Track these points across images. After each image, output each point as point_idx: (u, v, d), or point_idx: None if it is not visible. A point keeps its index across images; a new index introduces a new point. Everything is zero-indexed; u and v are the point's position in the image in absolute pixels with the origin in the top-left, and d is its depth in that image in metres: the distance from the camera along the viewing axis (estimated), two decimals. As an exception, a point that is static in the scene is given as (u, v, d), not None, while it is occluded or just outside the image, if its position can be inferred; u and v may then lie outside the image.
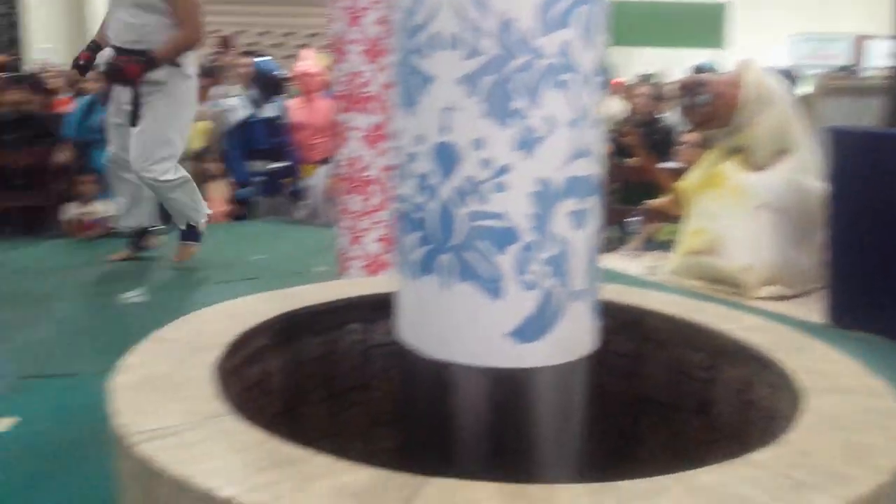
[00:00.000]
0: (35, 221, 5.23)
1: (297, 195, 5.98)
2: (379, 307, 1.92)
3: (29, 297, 3.61)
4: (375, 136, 3.06)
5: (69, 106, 5.69)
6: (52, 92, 5.84)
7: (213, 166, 5.50)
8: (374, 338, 1.97)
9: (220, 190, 5.60)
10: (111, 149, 3.86)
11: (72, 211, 4.89)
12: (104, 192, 4.98)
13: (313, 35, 8.89)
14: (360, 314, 1.95)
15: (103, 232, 4.91)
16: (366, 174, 3.08)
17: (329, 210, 6.11)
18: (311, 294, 1.97)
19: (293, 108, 5.99)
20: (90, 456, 2.07)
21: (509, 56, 1.17)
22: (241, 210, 5.77)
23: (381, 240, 3.23)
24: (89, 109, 5.10)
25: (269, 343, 1.72)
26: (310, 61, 6.00)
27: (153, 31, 3.56)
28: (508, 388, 1.28)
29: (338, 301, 1.93)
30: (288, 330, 1.77)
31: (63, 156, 5.07)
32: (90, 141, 5.08)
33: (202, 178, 5.53)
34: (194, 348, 1.44)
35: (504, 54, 1.17)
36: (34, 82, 5.54)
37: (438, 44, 1.19)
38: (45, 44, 8.49)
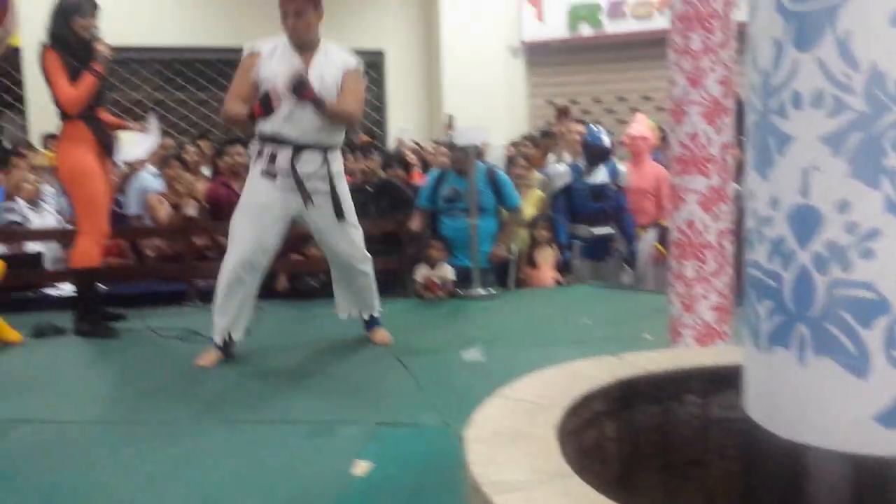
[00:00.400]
0: (389, 282, 5.78)
1: (623, 260, 5.96)
2: (718, 379, 1.85)
3: (383, 351, 3.98)
4: (713, 200, 2.96)
5: (422, 179, 6.27)
6: (409, 166, 6.47)
7: (542, 233, 5.70)
8: (713, 411, 1.88)
9: (549, 256, 5.78)
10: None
11: (421, 273, 5.34)
12: (450, 256, 5.41)
13: (647, 98, 8.92)
14: (698, 385, 1.88)
15: (449, 293, 5.31)
16: (702, 238, 2.99)
17: (657, 275, 6.01)
18: (645, 361, 1.95)
19: (622, 172, 6.03)
20: (436, 501, 2.23)
21: (881, 111, 1.08)
22: (566, 274, 5.88)
23: (716, 308, 3.09)
24: (439, 181, 5.58)
25: (606, 408, 1.73)
26: (641, 125, 6.03)
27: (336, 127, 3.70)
28: (874, 477, 1.15)
29: (674, 370, 1.89)
30: (624, 396, 1.76)
31: (416, 223, 5.57)
32: (439, 210, 5.57)
33: (533, 245, 5.79)
34: (538, 407, 1.50)
35: (874, 110, 1.08)
36: (397, 158, 6.18)
37: (800, 102, 1.14)
38: (403, 124, 9.54)
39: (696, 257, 3.02)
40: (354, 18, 9.52)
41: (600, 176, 5.79)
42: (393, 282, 5.72)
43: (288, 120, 3.54)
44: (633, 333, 4.18)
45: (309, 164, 3.61)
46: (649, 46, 8.93)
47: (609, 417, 1.73)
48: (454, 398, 3.09)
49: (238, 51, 3.73)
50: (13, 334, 4.21)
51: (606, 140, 5.92)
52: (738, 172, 4.78)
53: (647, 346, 3.64)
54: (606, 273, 5.96)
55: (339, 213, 3.69)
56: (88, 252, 4.29)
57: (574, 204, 5.71)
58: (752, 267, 1.25)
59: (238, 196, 5.60)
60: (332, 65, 3.63)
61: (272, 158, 3.58)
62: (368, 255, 3.99)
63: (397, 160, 6.14)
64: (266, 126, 3.57)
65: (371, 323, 4.17)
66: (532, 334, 4.33)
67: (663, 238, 5.73)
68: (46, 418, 3.02)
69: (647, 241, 6.04)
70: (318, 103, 3.46)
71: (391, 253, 5.52)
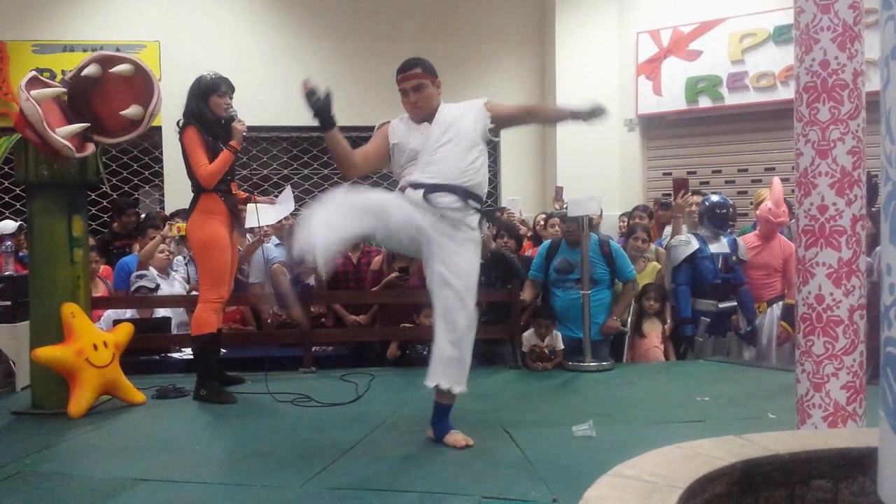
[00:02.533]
0: (494, 353, 5.74)
1: (746, 335, 5.71)
2: (849, 462, 1.72)
3: (491, 422, 3.93)
4: (844, 273, 2.81)
5: (533, 250, 6.26)
6: (520, 237, 6.48)
7: (651, 303, 5.55)
8: (844, 497, 1.75)
9: (657, 327, 5.61)
10: None
11: (529, 344, 5.27)
12: (561, 328, 5.33)
13: (770, 170, 8.65)
14: (827, 469, 1.76)
15: (558, 365, 5.21)
16: (832, 314, 2.82)
17: (781, 352, 5.72)
18: (770, 442, 1.84)
19: (748, 245, 5.83)
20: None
21: None
22: (684, 348, 5.68)
23: (847, 387, 2.90)
24: (550, 253, 5.55)
25: (727, 491, 1.63)
26: (778, 198, 5.79)
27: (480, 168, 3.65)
28: None
29: (802, 452, 1.77)
30: (747, 479, 1.66)
31: (528, 294, 5.54)
32: (551, 281, 5.52)
33: (641, 315, 5.63)
34: (653, 487, 1.43)
35: None
36: (509, 228, 6.20)
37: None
38: (513, 195, 9.61)
39: (825, 333, 2.86)
40: (469, 95, 9.70)
41: (722, 247, 5.63)
42: (502, 352, 5.68)
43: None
44: (755, 413, 3.98)
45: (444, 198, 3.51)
46: (772, 117, 8.74)
47: (731, 501, 1.63)
48: (564, 474, 3.00)
49: (360, 129, 3.89)
50: (138, 395, 4.41)
51: (731, 208, 5.78)
52: (871, 245, 4.55)
53: (771, 427, 3.44)
54: (727, 349, 5.72)
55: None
56: (207, 320, 4.46)
57: (699, 275, 5.54)
58: (890, 344, 1.16)
59: (353, 265, 5.80)
60: (457, 113, 3.67)
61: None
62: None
63: (508, 231, 6.15)
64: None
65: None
66: (647, 410, 4.18)
67: (788, 315, 5.47)
68: (164, 478, 3.11)
69: (770, 318, 5.78)
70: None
71: (501, 323, 5.49)
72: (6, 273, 5.06)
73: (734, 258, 5.64)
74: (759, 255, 5.79)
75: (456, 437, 3.49)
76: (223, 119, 4.50)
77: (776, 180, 6.02)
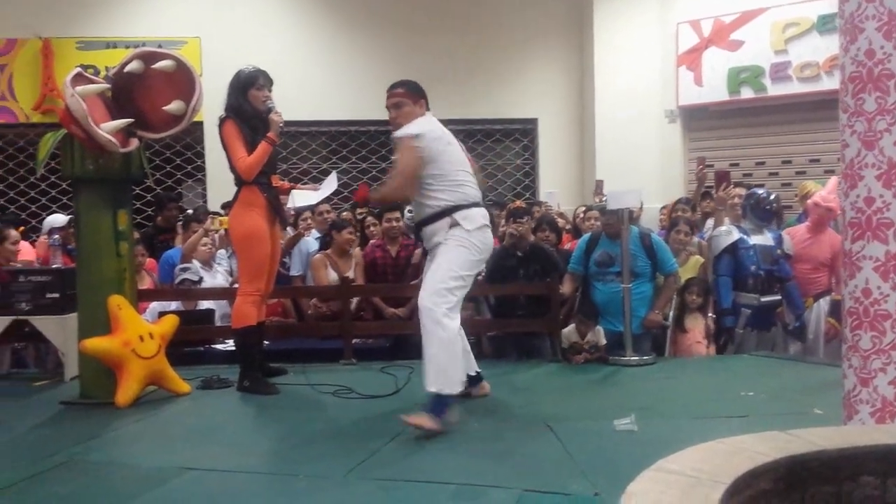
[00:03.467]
0: (534, 346, 5.73)
1: (793, 331, 5.62)
2: (898, 460, 1.68)
3: (532, 415, 3.92)
4: (891, 267, 2.75)
5: (572, 244, 6.22)
6: (560, 231, 6.45)
7: (694, 297, 5.49)
8: (893, 493, 1.72)
9: (699, 322, 5.54)
10: None
11: (569, 340, 5.25)
12: (602, 321, 5.30)
13: (814, 161, 8.50)
14: (876, 465, 1.72)
15: (599, 359, 5.18)
16: (878, 308, 2.77)
17: (828, 347, 5.62)
18: (816, 438, 1.81)
19: (795, 237, 5.73)
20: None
21: None
22: (724, 340, 5.61)
23: (894, 383, 2.84)
24: (590, 246, 5.51)
25: (773, 487, 1.61)
26: (832, 192, 5.69)
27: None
28: None
29: (849, 448, 1.74)
30: (793, 475, 1.63)
31: (567, 287, 5.52)
32: (590, 274, 5.49)
33: (683, 309, 5.57)
34: (696, 482, 1.41)
35: None
36: (549, 222, 6.18)
37: None
38: (550, 188, 9.56)
39: (873, 328, 2.80)
40: (508, 88, 9.73)
41: (766, 240, 5.55)
42: (541, 346, 5.67)
43: None
44: (801, 408, 3.93)
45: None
46: (816, 108, 8.58)
47: (776, 497, 1.60)
48: (605, 468, 2.99)
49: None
50: (183, 386, 4.48)
51: (776, 202, 5.69)
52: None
53: (817, 422, 3.39)
54: (771, 344, 5.63)
55: None
56: (247, 312, 4.51)
57: (741, 266, 5.47)
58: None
59: (392, 258, 5.83)
60: None
61: None
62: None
63: (548, 224, 6.12)
64: None
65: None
66: (689, 405, 4.14)
67: (836, 312, 5.37)
68: (208, 467, 3.17)
69: (816, 313, 5.68)
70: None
71: (540, 317, 5.48)
72: (54, 266, 5.18)
73: (778, 251, 5.55)
74: (808, 248, 5.69)
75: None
76: (262, 112, 4.53)
77: (834, 179, 5.91)
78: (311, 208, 6.06)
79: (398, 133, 3.88)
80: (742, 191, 6.10)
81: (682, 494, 1.38)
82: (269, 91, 4.59)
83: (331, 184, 5.15)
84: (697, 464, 1.57)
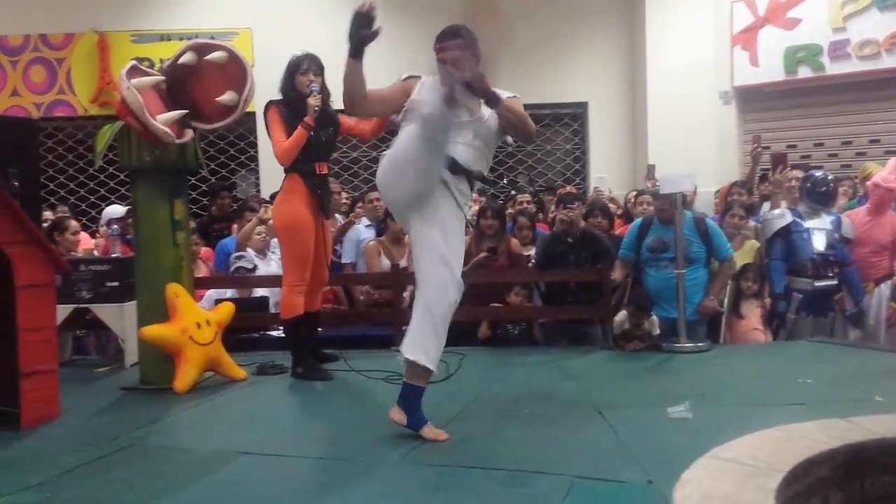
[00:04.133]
0: (584, 333, 5.69)
1: (852, 317, 5.48)
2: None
3: (584, 402, 3.89)
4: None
5: (624, 229, 6.15)
6: (612, 216, 6.38)
7: (749, 284, 5.39)
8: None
9: (755, 308, 5.44)
10: None
11: (619, 319, 5.20)
12: (655, 308, 5.23)
13: (874, 142, 8.26)
14: (941, 455, 1.67)
15: (652, 346, 5.12)
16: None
17: (889, 333, 5.47)
18: (876, 426, 1.77)
19: (857, 220, 5.58)
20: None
21: None
22: (777, 325, 5.49)
23: (963, 370, 2.75)
24: (642, 231, 5.44)
25: (831, 475, 1.58)
26: (888, 172, 5.53)
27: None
28: None
29: (913, 437, 1.69)
30: (853, 463, 1.60)
31: (618, 273, 5.46)
32: (643, 260, 5.42)
33: (738, 295, 5.46)
34: (752, 471, 1.39)
35: None
36: (600, 207, 6.13)
37: None
38: (601, 172, 9.46)
39: (936, 313, 2.71)
40: (557, 72, 9.63)
41: (822, 223, 5.41)
42: (592, 333, 5.63)
43: None
44: (861, 395, 3.83)
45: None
46: (876, 87, 8.33)
47: (834, 486, 1.57)
48: (659, 455, 2.95)
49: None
50: (239, 372, 4.57)
51: (832, 184, 5.54)
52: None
53: (877, 410, 3.30)
54: (828, 330, 5.50)
55: None
56: (294, 302, 4.54)
57: (794, 250, 5.34)
58: None
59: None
60: None
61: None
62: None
63: (600, 209, 6.06)
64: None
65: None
66: (745, 392, 4.07)
67: (898, 296, 5.23)
68: (264, 451, 3.22)
69: (878, 298, 5.53)
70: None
71: (591, 303, 5.44)
72: (114, 255, 5.31)
73: (836, 236, 5.40)
74: (869, 231, 5.54)
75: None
76: (304, 97, 4.45)
77: (894, 159, 5.73)
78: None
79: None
80: (800, 173, 5.95)
81: (737, 483, 1.36)
82: (318, 75, 4.52)
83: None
84: (754, 451, 1.55)
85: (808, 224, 5.40)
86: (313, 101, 4.38)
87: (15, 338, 3.59)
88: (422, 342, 3.28)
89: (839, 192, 5.95)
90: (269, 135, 4.53)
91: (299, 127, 4.39)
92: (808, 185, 5.54)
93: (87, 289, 4.98)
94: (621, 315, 5.19)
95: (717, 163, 8.97)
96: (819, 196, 5.50)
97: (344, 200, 7.16)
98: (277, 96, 4.58)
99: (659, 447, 3.08)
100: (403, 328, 5.46)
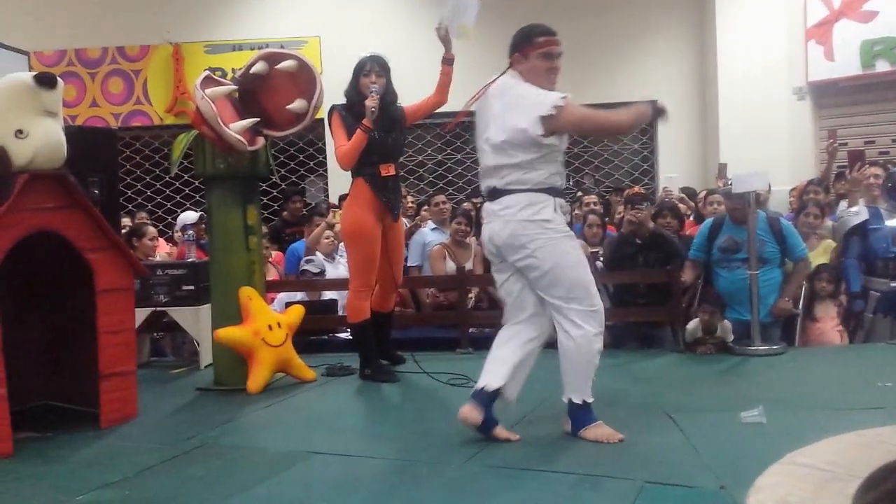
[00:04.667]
0: (654, 336, 5.60)
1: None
2: None
3: (654, 406, 3.83)
4: None
5: (694, 229, 6.03)
6: (682, 216, 6.27)
7: (824, 285, 5.23)
8: None
9: (831, 310, 5.27)
10: None
11: (692, 327, 5.10)
12: (728, 310, 5.11)
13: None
14: None
15: (723, 349, 5.01)
16: None
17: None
18: (964, 432, 1.69)
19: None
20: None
21: None
22: (854, 325, 5.30)
23: None
24: (714, 231, 5.32)
25: (913, 482, 1.52)
26: None
27: None
28: None
29: None
30: (937, 470, 1.54)
31: (688, 275, 5.36)
32: (714, 261, 5.31)
33: (813, 297, 5.30)
34: (829, 476, 1.35)
35: None
36: (669, 207, 6.03)
37: None
38: (670, 173, 9.30)
39: None
40: (626, 69, 9.51)
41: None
42: (662, 336, 5.54)
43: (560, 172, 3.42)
44: (947, 402, 3.66)
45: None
46: (960, 79, 8.00)
47: (917, 493, 1.51)
48: (732, 461, 2.88)
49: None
50: (309, 373, 4.65)
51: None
52: None
53: (966, 417, 3.16)
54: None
55: None
56: (360, 307, 4.57)
57: (871, 248, 5.17)
58: None
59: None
60: None
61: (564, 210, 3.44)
62: None
63: (670, 210, 5.96)
64: (559, 181, 3.38)
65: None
66: (821, 396, 3.95)
67: None
68: (333, 451, 3.27)
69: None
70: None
71: (661, 305, 5.35)
72: (189, 260, 5.47)
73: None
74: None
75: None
76: (365, 99, 4.41)
77: None
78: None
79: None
80: (878, 170, 5.74)
81: (814, 489, 1.33)
82: (381, 76, 4.49)
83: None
84: (831, 457, 1.51)
85: (888, 222, 5.21)
86: (370, 103, 4.33)
87: (96, 340, 3.73)
88: None
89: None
90: (332, 139, 4.58)
91: (358, 130, 4.38)
92: (890, 183, 5.35)
93: (163, 292, 5.13)
94: (693, 323, 5.08)
95: (792, 161, 8.72)
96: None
97: (409, 204, 7.22)
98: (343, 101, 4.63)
99: (731, 452, 3.01)
100: (469, 330, 5.51)
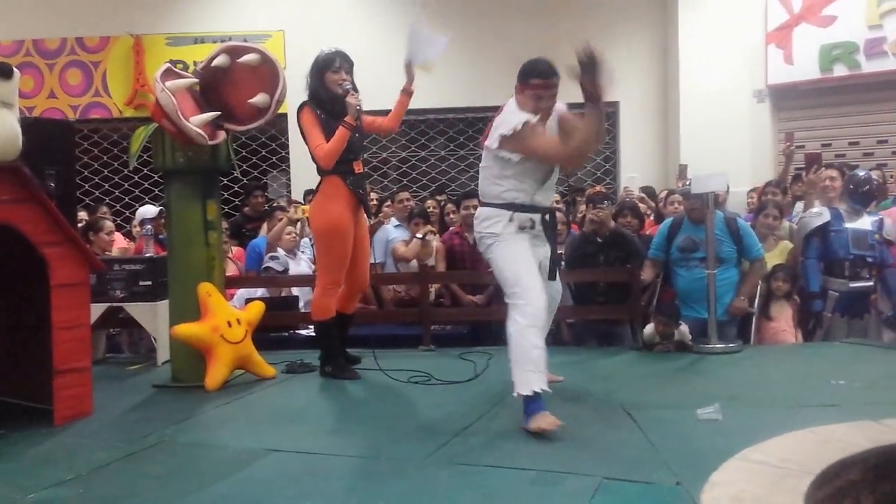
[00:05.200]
0: (614, 333, 5.66)
1: (889, 320, 5.37)
2: None
3: (612, 402, 3.87)
4: None
5: (654, 229, 6.10)
6: (642, 216, 6.34)
7: (780, 284, 5.32)
8: None
9: (786, 310, 5.37)
10: None
11: (649, 332, 5.15)
12: (685, 308, 5.18)
13: (911, 140, 8.13)
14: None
15: (681, 347, 5.07)
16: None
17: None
18: (912, 429, 1.73)
19: (888, 224, 5.48)
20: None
21: None
22: (813, 325, 5.41)
23: None
24: (673, 231, 5.39)
25: (862, 478, 1.55)
26: None
27: None
28: None
29: (948, 440, 1.66)
30: (886, 466, 1.57)
31: (647, 273, 5.42)
32: (673, 260, 5.38)
33: (769, 297, 5.40)
34: (782, 473, 1.38)
35: None
36: (631, 207, 6.09)
37: None
38: (632, 173, 9.41)
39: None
40: (588, 71, 9.57)
41: (863, 224, 5.32)
42: (622, 333, 5.59)
43: (542, 190, 3.71)
44: (895, 398, 3.75)
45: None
46: (914, 85, 8.20)
47: (866, 488, 1.55)
48: (688, 457, 2.92)
49: (482, 109, 3.89)
50: (269, 370, 4.61)
51: (874, 183, 5.45)
52: None
53: (914, 414, 3.24)
54: (863, 332, 5.40)
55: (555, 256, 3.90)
56: (326, 304, 4.52)
57: (831, 250, 5.27)
58: None
59: (470, 245, 5.84)
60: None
61: (529, 222, 3.66)
62: None
63: (630, 209, 6.02)
64: (508, 194, 3.63)
65: None
66: (776, 394, 4.02)
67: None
68: (293, 448, 3.25)
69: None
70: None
71: (621, 304, 5.41)
72: (147, 255, 5.38)
73: (876, 236, 5.31)
74: (904, 229, 5.43)
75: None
76: (339, 95, 4.37)
77: None
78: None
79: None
80: (834, 173, 5.85)
81: (768, 485, 1.35)
82: (349, 73, 4.45)
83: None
84: (784, 454, 1.53)
85: (848, 224, 5.32)
86: (354, 101, 4.31)
87: (50, 336, 3.65)
88: None
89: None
90: (304, 137, 4.45)
91: (341, 128, 4.31)
92: (850, 185, 5.46)
93: (120, 288, 5.05)
94: (650, 328, 5.13)
95: (751, 162, 8.88)
96: (861, 196, 5.41)
97: (373, 201, 7.20)
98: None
99: (688, 448, 3.06)
100: (431, 327, 5.51)
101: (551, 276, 3.81)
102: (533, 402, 3.36)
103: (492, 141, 3.58)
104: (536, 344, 3.40)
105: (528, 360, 3.37)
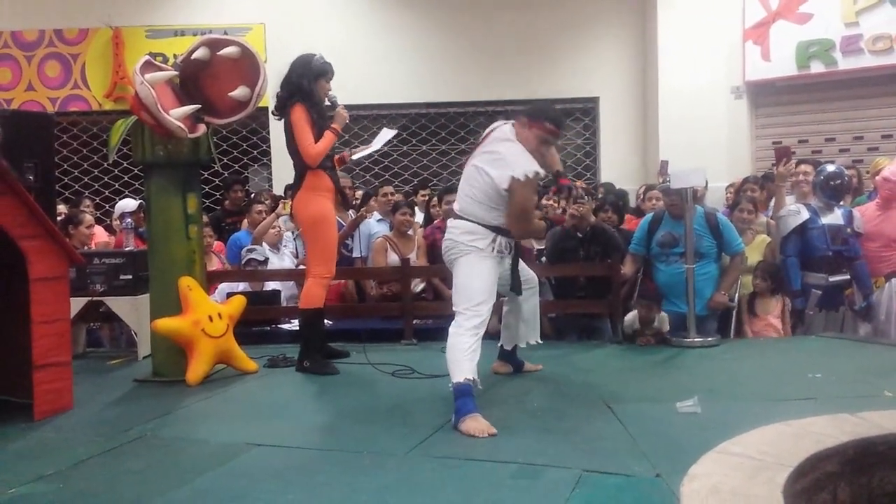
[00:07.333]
0: (594, 328, 5.69)
1: (861, 311, 5.46)
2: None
3: (593, 396, 3.91)
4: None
5: (635, 224, 6.14)
6: (622, 211, 6.37)
7: (760, 282, 5.38)
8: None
9: (770, 306, 5.43)
10: None
11: (629, 319, 5.20)
12: (666, 303, 5.23)
13: (887, 137, 8.21)
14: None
15: (661, 340, 5.12)
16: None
17: (900, 329, 5.44)
18: (886, 421, 1.77)
19: (865, 215, 5.55)
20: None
21: None
22: (794, 322, 5.49)
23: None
24: (653, 226, 5.43)
25: (839, 470, 1.58)
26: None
27: None
28: None
29: (922, 432, 1.69)
30: (861, 458, 1.60)
31: (628, 268, 5.46)
32: (653, 255, 5.42)
33: (754, 293, 5.46)
34: (760, 465, 1.40)
35: None
36: (613, 202, 6.13)
37: None
38: (612, 168, 9.46)
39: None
40: (568, 66, 9.62)
41: (835, 218, 5.40)
42: (602, 327, 5.63)
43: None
44: (871, 391, 3.83)
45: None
46: (889, 82, 8.29)
47: (843, 480, 1.58)
48: (667, 449, 2.96)
49: (461, 104, 3.92)
50: (250, 364, 4.60)
51: (846, 178, 5.52)
52: None
53: (887, 406, 3.30)
54: (838, 325, 5.48)
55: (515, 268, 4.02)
56: (316, 294, 4.59)
57: (810, 246, 5.34)
58: None
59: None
60: None
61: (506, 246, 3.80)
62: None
63: (611, 205, 6.06)
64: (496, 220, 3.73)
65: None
66: (754, 387, 4.07)
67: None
68: (274, 443, 3.25)
69: (888, 293, 5.50)
70: None
71: (601, 298, 5.44)
72: (127, 248, 5.35)
73: (849, 230, 5.39)
74: (879, 225, 5.51)
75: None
76: (322, 103, 4.59)
77: None
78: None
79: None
80: (808, 167, 5.92)
81: (745, 477, 1.37)
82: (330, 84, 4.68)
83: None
84: (762, 446, 1.56)
85: (824, 220, 5.38)
86: (345, 114, 4.64)
87: (29, 330, 3.63)
88: None
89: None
90: (294, 133, 4.52)
91: (329, 133, 4.54)
92: (822, 179, 5.51)
93: (100, 282, 5.02)
94: (631, 315, 5.19)
95: (729, 158, 8.94)
96: (832, 190, 5.47)
97: (356, 199, 7.19)
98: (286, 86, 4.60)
99: (667, 441, 3.09)
100: (413, 322, 5.52)
101: (514, 286, 4.01)
102: (462, 398, 3.40)
103: (501, 181, 3.59)
104: (472, 345, 3.52)
105: (463, 355, 3.47)
